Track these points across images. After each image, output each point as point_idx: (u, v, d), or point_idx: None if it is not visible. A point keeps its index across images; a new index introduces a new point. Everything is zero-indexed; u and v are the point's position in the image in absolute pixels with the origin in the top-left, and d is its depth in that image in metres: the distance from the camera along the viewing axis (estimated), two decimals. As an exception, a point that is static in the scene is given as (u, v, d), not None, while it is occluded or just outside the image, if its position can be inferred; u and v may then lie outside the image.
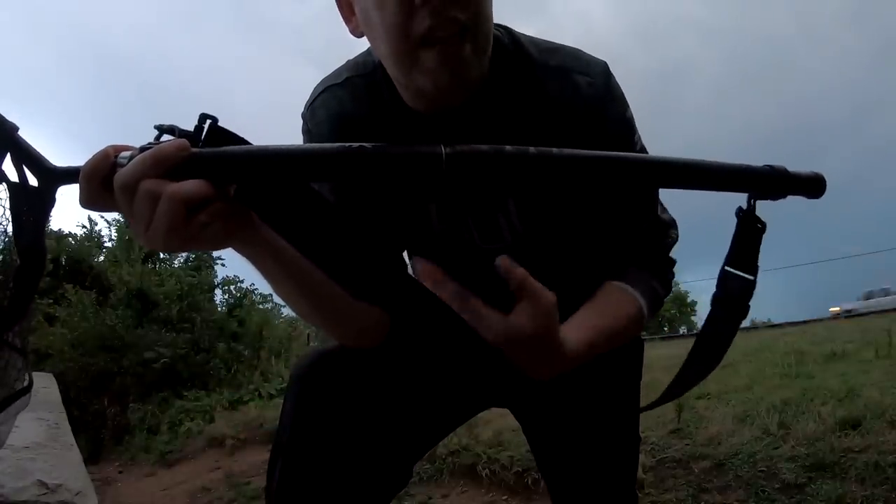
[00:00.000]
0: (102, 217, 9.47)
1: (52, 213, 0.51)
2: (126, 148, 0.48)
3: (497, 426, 2.77)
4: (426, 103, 0.68)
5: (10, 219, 0.50)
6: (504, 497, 2.46)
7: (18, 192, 0.49)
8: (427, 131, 0.71)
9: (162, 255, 9.21)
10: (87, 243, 9.29)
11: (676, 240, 0.81)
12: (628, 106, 0.74)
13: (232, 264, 8.32)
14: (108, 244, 9.63)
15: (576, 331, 0.67)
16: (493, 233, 0.78)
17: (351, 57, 0.79)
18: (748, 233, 0.60)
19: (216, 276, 8.87)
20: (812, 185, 0.59)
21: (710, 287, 0.65)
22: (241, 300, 8.56)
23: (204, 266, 8.86)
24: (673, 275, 0.81)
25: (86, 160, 0.48)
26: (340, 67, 0.78)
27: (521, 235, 0.78)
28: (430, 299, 0.60)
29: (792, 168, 0.60)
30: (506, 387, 0.88)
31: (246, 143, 0.49)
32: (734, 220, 0.63)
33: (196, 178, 0.45)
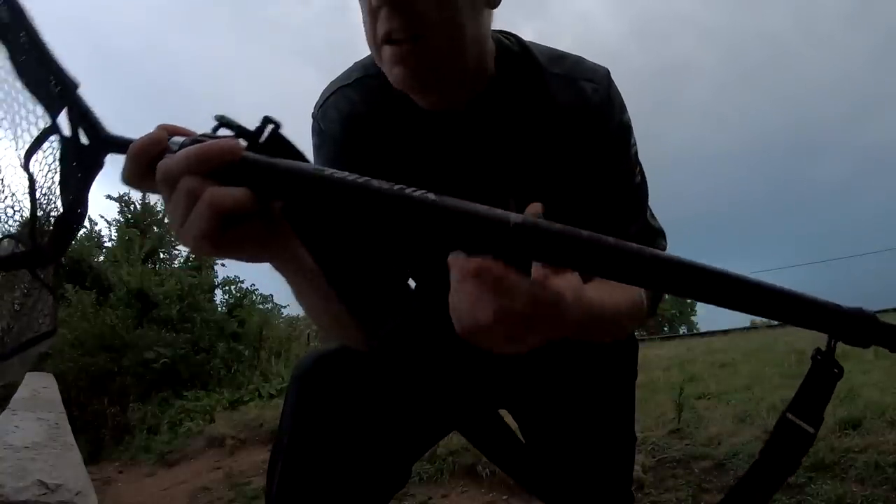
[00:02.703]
0: (102, 217, 9.47)
1: (97, 175, 0.50)
2: (181, 131, 0.46)
3: (497, 426, 2.76)
4: (422, 101, 0.70)
5: (59, 170, 0.50)
6: (504, 497, 2.45)
7: (69, 147, 0.49)
8: (435, 130, 0.73)
9: (162, 255, 9.22)
10: (87, 243, 9.28)
11: (665, 249, 0.82)
12: (626, 110, 0.76)
13: (232, 264, 8.29)
14: (108, 244, 9.64)
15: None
16: None
17: (349, 57, 0.81)
18: (822, 378, 0.54)
19: (216, 276, 8.88)
20: None
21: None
22: (241, 300, 8.56)
23: (204, 266, 8.86)
24: None
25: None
26: (350, 68, 0.79)
27: None
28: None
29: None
30: (504, 385, 0.88)
31: (304, 159, 0.45)
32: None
33: (243, 185, 0.41)
